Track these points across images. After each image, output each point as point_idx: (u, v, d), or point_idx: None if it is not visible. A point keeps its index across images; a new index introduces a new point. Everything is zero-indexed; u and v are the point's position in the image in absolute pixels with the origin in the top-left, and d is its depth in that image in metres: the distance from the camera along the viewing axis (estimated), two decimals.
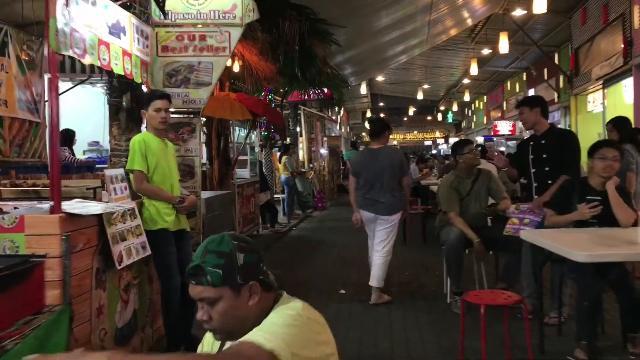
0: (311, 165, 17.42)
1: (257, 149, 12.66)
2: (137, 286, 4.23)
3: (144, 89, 5.02)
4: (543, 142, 5.06)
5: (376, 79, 27.54)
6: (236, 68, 7.79)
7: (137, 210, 4.08)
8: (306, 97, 12.60)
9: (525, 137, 6.82)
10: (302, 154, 17.26)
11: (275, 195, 13.36)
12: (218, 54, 5.24)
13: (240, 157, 10.77)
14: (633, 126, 6.84)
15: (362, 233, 6.03)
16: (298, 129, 16.14)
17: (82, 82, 9.07)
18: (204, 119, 8.32)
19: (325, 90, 13.25)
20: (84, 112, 10.30)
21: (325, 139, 22.24)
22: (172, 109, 5.03)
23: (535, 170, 5.10)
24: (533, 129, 5.19)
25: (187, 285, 1.73)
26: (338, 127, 32.17)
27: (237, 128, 8.77)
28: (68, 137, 7.81)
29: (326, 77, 10.66)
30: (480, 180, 5.71)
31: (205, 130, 8.29)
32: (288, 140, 15.24)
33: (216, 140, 8.06)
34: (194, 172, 5.14)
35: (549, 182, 4.95)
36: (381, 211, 5.78)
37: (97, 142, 11.02)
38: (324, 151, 20.75)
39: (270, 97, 10.81)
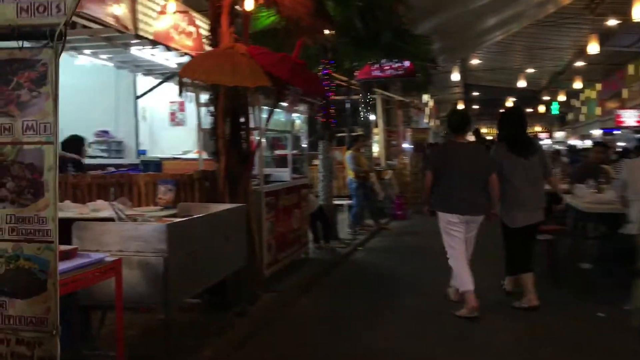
0: (390, 163, 14.19)
1: (304, 141, 9.46)
2: None
3: None
4: None
5: (470, 62, 24.10)
6: (250, 5, 4.72)
7: None
8: (379, 72, 9.29)
9: None
10: (377, 148, 14.05)
11: (338, 202, 10.28)
12: None
13: (280, 152, 7.82)
14: None
15: None
16: (372, 117, 12.92)
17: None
18: (209, 95, 5.36)
19: (407, 64, 9.95)
20: (90, 93, 8.43)
21: (409, 132, 18.93)
22: None
23: None
24: None
25: None
26: (426, 120, 28.55)
27: (264, 108, 5.71)
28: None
29: (402, 36, 7.39)
30: None
31: (213, 110, 5.32)
32: (359, 131, 12.14)
33: (223, 125, 5.08)
34: (42, 184, 2.09)
35: None
36: (480, 212, 5.34)
37: (106, 132, 8.78)
38: (407, 146, 17.46)
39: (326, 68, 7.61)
